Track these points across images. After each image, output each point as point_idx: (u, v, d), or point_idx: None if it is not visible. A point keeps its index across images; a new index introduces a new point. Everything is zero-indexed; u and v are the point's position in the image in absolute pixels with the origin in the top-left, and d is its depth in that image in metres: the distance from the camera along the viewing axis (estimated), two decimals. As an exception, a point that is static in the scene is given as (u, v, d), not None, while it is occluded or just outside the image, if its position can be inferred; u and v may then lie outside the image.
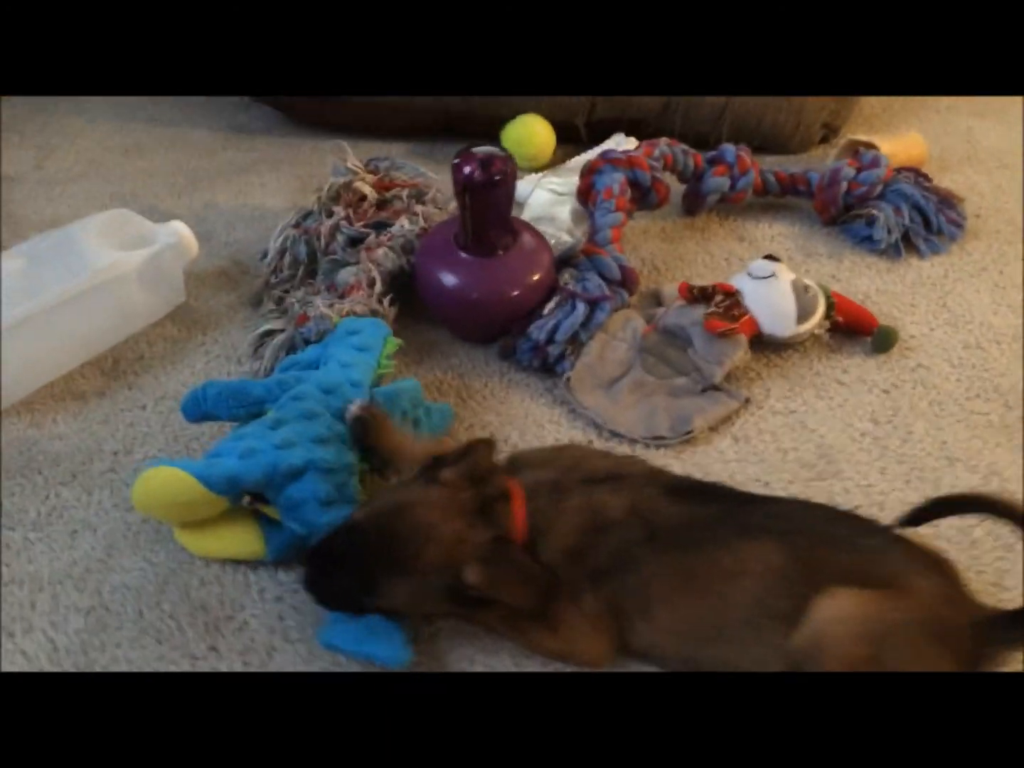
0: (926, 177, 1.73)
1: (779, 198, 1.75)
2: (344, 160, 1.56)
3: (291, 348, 1.30)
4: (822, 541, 0.95)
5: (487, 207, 1.30)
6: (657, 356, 1.37)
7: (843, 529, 0.98)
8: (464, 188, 1.29)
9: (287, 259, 1.45)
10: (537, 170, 1.82)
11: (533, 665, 0.99)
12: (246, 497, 1.05)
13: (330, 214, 1.47)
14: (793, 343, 1.42)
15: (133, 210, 1.42)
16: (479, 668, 0.99)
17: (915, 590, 0.91)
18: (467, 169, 1.28)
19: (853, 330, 1.45)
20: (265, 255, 1.49)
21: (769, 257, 1.43)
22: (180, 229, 1.41)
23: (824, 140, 1.96)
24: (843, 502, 1.19)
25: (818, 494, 1.20)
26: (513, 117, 1.84)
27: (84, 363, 1.35)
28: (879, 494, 1.21)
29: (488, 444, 1.06)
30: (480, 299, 1.36)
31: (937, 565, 0.96)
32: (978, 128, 2.04)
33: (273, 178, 1.80)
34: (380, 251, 1.40)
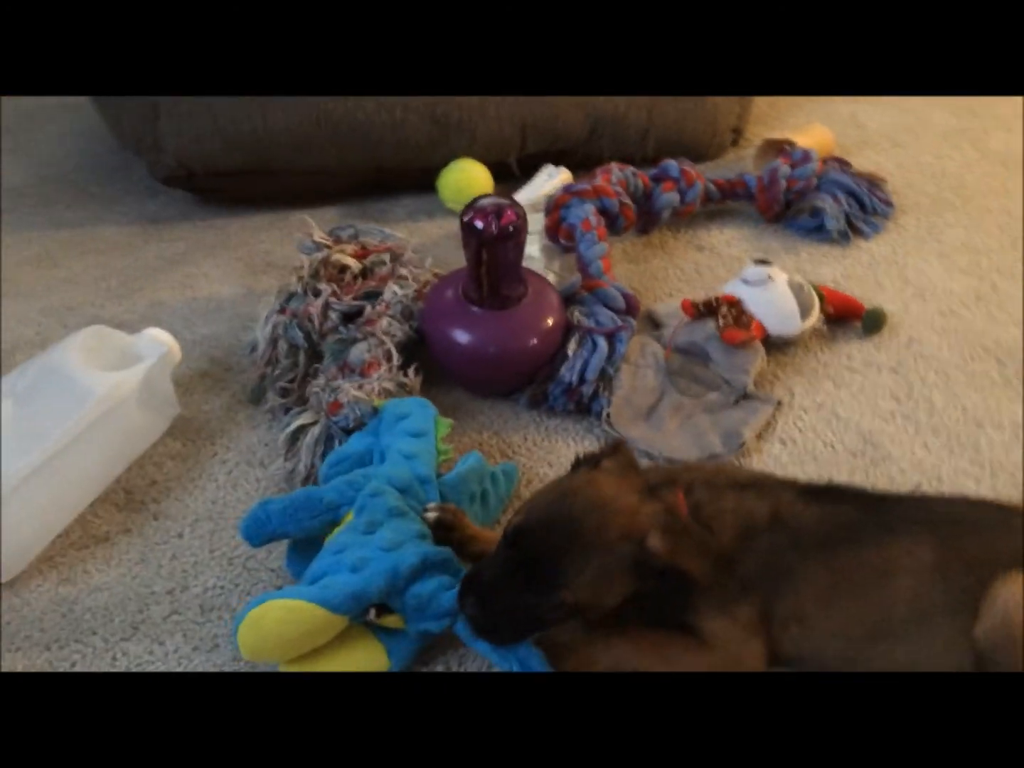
0: (848, 164, 1.83)
1: (720, 205, 1.81)
2: (310, 234, 1.48)
3: (328, 440, 1.22)
4: (969, 529, 0.97)
5: (502, 260, 1.27)
6: (685, 376, 1.38)
7: (984, 514, 1.01)
8: (480, 243, 1.25)
9: (281, 347, 1.36)
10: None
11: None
12: (371, 611, 0.97)
13: (316, 292, 1.39)
14: (796, 341, 1.46)
15: (72, 323, 1.29)
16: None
17: None
18: (480, 224, 1.25)
19: (843, 318, 1.51)
20: (253, 347, 1.40)
21: (760, 261, 1.47)
22: (161, 336, 1.30)
23: (734, 143, 2.04)
24: (903, 481, 1.24)
25: (878, 479, 1.24)
26: (444, 164, 1.81)
27: (93, 502, 1.21)
28: (931, 467, 1.27)
29: (624, 443, 1.04)
30: (501, 353, 1.33)
31: None
32: (861, 112, 2.18)
33: (212, 265, 1.69)
34: (383, 321, 1.35)
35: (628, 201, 1.61)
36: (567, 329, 1.37)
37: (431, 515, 1.07)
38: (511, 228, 1.25)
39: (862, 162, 1.95)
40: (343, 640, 0.98)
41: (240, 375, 1.43)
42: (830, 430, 1.33)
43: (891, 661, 0.97)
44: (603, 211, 1.58)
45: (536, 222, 1.56)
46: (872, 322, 1.50)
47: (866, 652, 0.97)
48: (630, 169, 1.68)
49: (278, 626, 0.91)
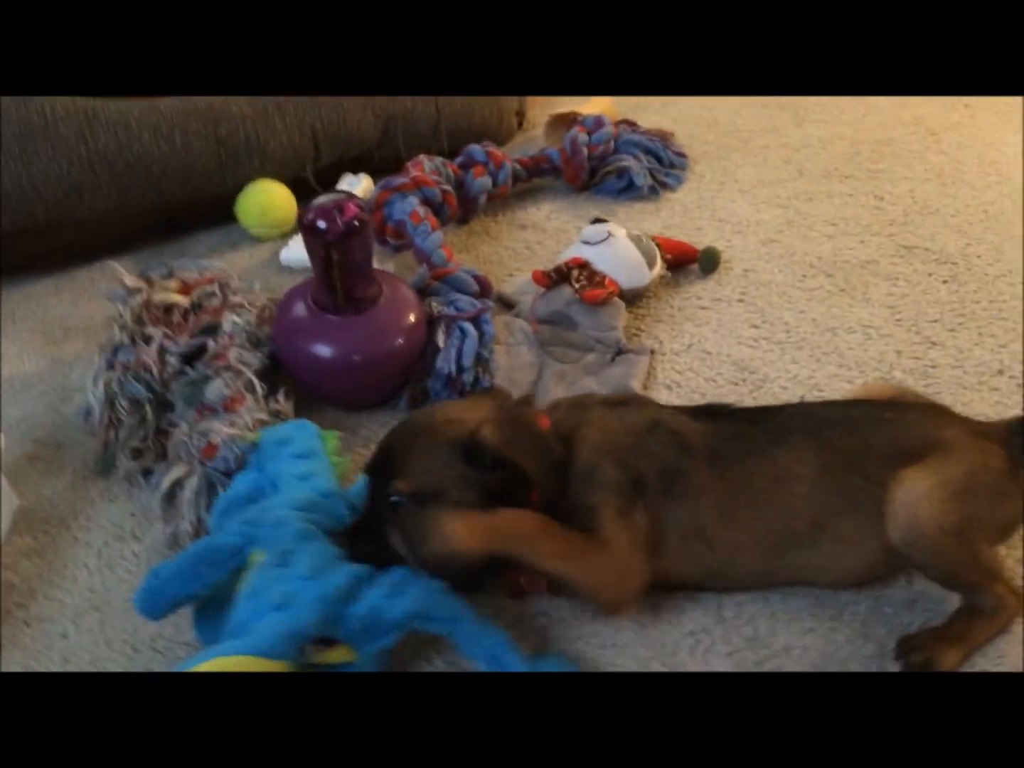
0: (636, 124, 1.89)
1: (527, 184, 1.80)
2: (121, 281, 1.33)
3: (209, 488, 1.09)
4: (847, 429, 0.99)
5: (353, 258, 1.20)
6: (557, 344, 1.36)
7: (857, 412, 1.02)
8: (327, 244, 1.17)
9: (120, 406, 1.21)
10: (286, 235, 1.70)
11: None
12: (308, 648, 0.87)
13: (146, 339, 1.25)
14: (646, 292, 1.48)
15: None
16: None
17: (954, 440, 0.97)
18: (323, 223, 1.16)
19: (680, 263, 1.54)
20: (88, 413, 1.23)
21: (597, 220, 1.47)
22: (-20, 423, 1.12)
23: (519, 126, 2.05)
24: (788, 398, 1.28)
25: (765, 401, 1.27)
26: (238, 190, 1.69)
27: (-57, 623, 1.02)
28: (807, 379, 1.31)
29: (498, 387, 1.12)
30: (369, 359, 1.25)
31: (945, 411, 1.06)
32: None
33: (4, 343, 1.48)
34: (232, 353, 1.23)
35: (449, 188, 1.56)
36: (429, 322, 1.31)
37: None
38: (356, 222, 1.18)
39: (643, 122, 2.01)
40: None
41: (76, 449, 1.25)
42: (706, 366, 1.35)
43: (803, 569, 0.99)
44: (426, 202, 1.53)
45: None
46: (708, 261, 1.54)
47: (776, 564, 0.99)
48: (439, 159, 1.64)
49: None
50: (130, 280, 1.33)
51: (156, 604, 0.93)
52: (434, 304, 1.33)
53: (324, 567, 0.92)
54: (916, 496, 0.92)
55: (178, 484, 1.10)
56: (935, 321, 1.40)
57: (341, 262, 1.18)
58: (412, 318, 1.27)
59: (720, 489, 0.97)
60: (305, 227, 1.17)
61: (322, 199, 1.19)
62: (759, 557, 0.99)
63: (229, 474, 1.10)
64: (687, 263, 1.55)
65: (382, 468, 0.97)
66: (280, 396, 1.20)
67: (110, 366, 1.24)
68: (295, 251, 1.61)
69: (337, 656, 0.90)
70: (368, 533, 0.96)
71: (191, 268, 1.41)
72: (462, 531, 0.92)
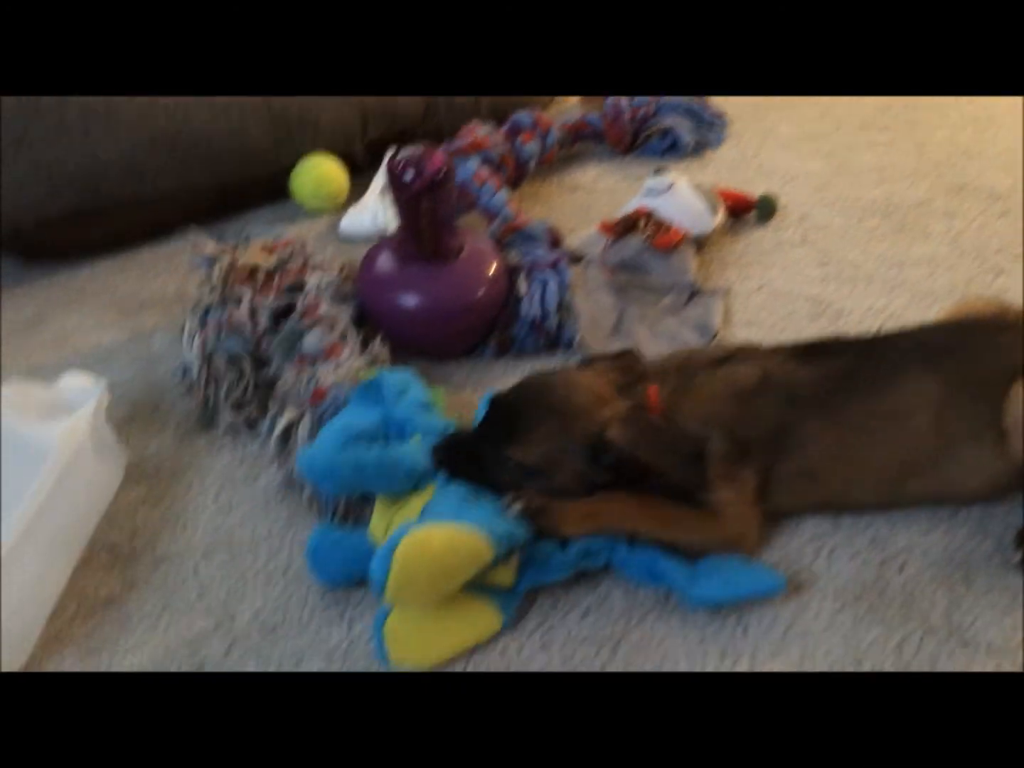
0: (673, 88, 1.92)
1: (570, 150, 1.83)
2: (203, 248, 1.35)
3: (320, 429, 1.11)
4: (969, 357, 0.99)
5: (440, 208, 1.22)
6: (634, 289, 1.38)
7: (966, 337, 1.02)
8: (415, 195, 1.19)
9: (218, 363, 1.23)
10: (340, 209, 1.72)
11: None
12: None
13: (236, 299, 1.27)
14: (709, 239, 1.51)
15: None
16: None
17: None
18: (412, 174, 1.18)
19: (738, 211, 1.57)
20: (185, 371, 1.25)
21: (659, 170, 1.50)
22: (85, 380, 1.14)
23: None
24: (868, 327, 1.30)
25: (843, 332, 1.30)
26: (291, 167, 1.72)
27: (75, 571, 1.03)
28: (882, 310, 1.35)
29: (638, 353, 1.08)
30: (456, 307, 1.27)
31: None
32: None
33: (80, 318, 1.50)
34: (322, 307, 1.25)
35: (506, 152, 1.59)
36: (509, 272, 1.33)
37: (516, 506, 0.93)
38: (443, 172, 1.20)
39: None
40: (454, 604, 0.89)
41: (173, 408, 1.27)
42: (780, 304, 1.38)
43: (921, 496, 1.01)
44: (486, 163, 1.55)
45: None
46: (766, 208, 1.57)
47: (892, 495, 1.01)
48: (487, 127, 1.66)
49: (443, 552, 0.83)
50: (212, 247, 1.35)
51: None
52: (512, 255, 1.35)
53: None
54: None
55: (291, 427, 1.11)
56: (998, 252, 1.44)
57: (428, 211, 1.20)
58: (494, 268, 1.30)
59: (833, 433, 0.98)
60: (394, 179, 1.19)
61: (407, 152, 1.21)
62: (874, 490, 1.01)
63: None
64: (744, 212, 1.58)
65: (506, 419, 0.97)
66: (376, 344, 1.21)
67: (203, 326, 1.25)
68: (354, 221, 1.64)
69: (501, 576, 0.92)
70: (467, 455, 0.98)
71: (265, 234, 1.42)
72: (570, 520, 0.94)
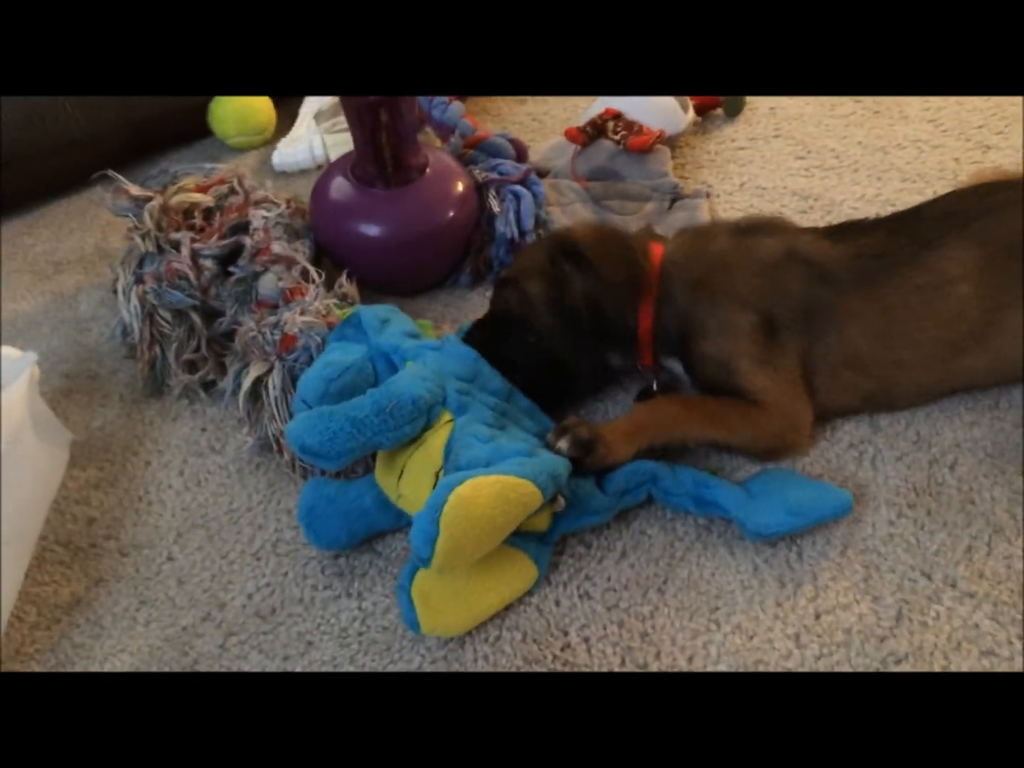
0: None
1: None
2: (125, 192, 1.18)
3: (295, 383, 0.98)
4: (1000, 219, 0.90)
5: (403, 120, 1.08)
6: (613, 198, 1.27)
7: (1001, 199, 0.93)
8: (374, 107, 1.05)
9: (161, 318, 1.08)
10: (268, 142, 1.56)
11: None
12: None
13: (174, 245, 1.12)
14: (679, 139, 1.40)
15: None
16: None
17: None
18: (366, 81, 1.04)
19: (706, 107, 1.47)
20: (125, 333, 1.10)
21: (622, 69, 1.38)
22: (13, 351, 0.98)
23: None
24: (864, 215, 1.21)
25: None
26: (209, 99, 1.54)
27: (30, 573, 0.90)
28: (874, 196, 1.26)
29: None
30: (424, 232, 1.14)
31: None
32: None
33: (-13, 288, 1.32)
34: (275, 246, 1.10)
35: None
36: (477, 189, 1.20)
37: (563, 444, 0.84)
38: (401, 79, 1.06)
39: None
40: (488, 557, 0.78)
41: (114, 376, 1.12)
42: (767, 201, 1.28)
43: (971, 373, 0.93)
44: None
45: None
46: (733, 103, 1.47)
47: (942, 374, 0.93)
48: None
49: (493, 508, 0.71)
50: (136, 189, 1.19)
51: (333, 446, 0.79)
52: (477, 172, 1.22)
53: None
54: None
55: (259, 383, 0.98)
56: (981, 127, 1.36)
57: (390, 125, 1.06)
58: (462, 186, 1.17)
59: (873, 313, 0.89)
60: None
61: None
62: (923, 372, 0.92)
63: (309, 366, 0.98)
64: (710, 108, 1.47)
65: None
66: (343, 280, 1.08)
67: (139, 280, 1.10)
68: (287, 155, 1.48)
69: (538, 522, 0.82)
70: (489, 332, 0.97)
71: (193, 172, 1.26)
72: (618, 443, 0.85)
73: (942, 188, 1.24)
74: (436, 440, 0.81)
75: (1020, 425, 0.92)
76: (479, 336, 0.97)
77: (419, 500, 0.77)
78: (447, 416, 0.83)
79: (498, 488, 0.70)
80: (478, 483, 0.70)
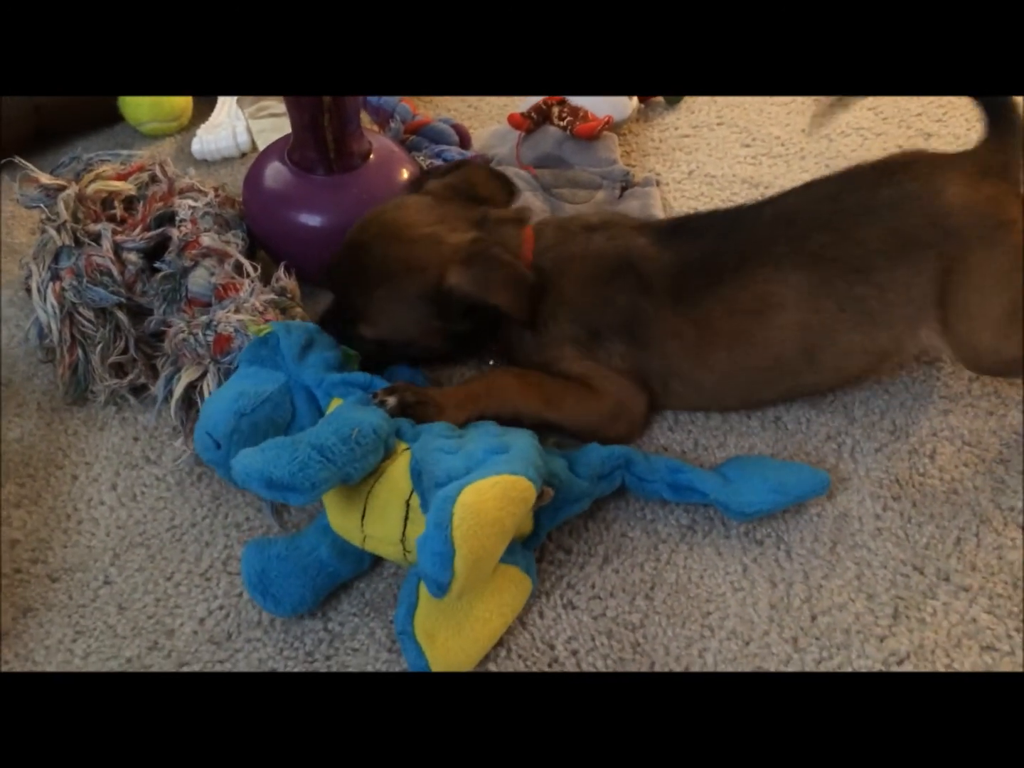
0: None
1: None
2: (35, 180, 1.08)
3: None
4: (841, 233, 0.83)
5: (346, 104, 1.01)
6: (563, 186, 1.22)
7: (850, 202, 0.85)
8: (314, 85, 0.97)
9: (82, 317, 0.99)
10: (184, 129, 1.47)
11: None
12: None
13: (94, 237, 1.02)
14: (625, 125, 1.36)
15: None
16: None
17: (961, 214, 0.81)
18: (307, 59, 0.96)
19: (645, 97, 1.43)
20: (42, 336, 1.00)
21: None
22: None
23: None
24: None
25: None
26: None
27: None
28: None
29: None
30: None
31: (940, 161, 0.87)
32: None
33: None
34: (204, 238, 1.02)
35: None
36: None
37: (391, 400, 0.81)
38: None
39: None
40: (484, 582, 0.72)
41: (31, 381, 1.02)
42: (717, 189, 1.26)
43: (800, 390, 0.91)
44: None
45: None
46: (674, 91, 1.43)
47: (769, 394, 0.91)
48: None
49: (499, 507, 0.65)
50: (46, 178, 1.08)
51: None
52: (421, 158, 1.16)
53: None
54: (977, 330, 0.82)
55: (193, 389, 0.90)
56: (919, 115, 1.37)
57: (333, 107, 0.99)
58: (407, 173, 1.10)
59: (688, 331, 0.86)
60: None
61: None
62: (748, 393, 0.90)
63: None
64: (650, 96, 1.44)
65: (345, 293, 0.92)
66: (281, 274, 1.00)
67: (56, 276, 1.00)
68: (208, 142, 1.39)
69: (524, 525, 0.77)
70: (336, 325, 0.91)
71: (109, 159, 1.17)
72: (449, 407, 0.83)
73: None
74: (397, 469, 0.74)
75: (995, 411, 0.91)
76: (332, 323, 0.92)
77: (390, 536, 0.72)
78: (403, 445, 0.77)
79: (500, 488, 0.65)
80: (479, 487, 0.64)
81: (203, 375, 0.91)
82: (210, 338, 0.91)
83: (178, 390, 0.90)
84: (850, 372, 0.89)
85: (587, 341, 0.87)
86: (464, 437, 0.76)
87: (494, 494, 0.64)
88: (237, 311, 0.93)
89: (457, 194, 0.94)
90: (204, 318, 0.93)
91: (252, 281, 0.98)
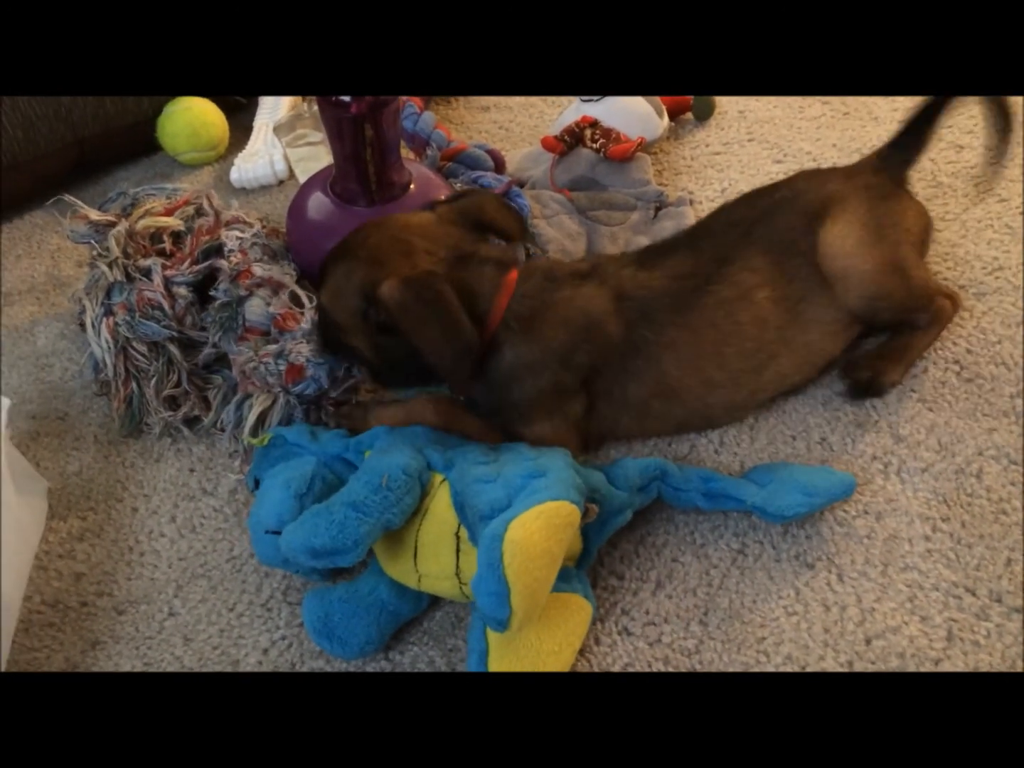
0: None
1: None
2: (84, 217, 1.11)
3: (290, 417, 0.93)
4: (771, 220, 0.96)
5: (387, 134, 1.03)
6: (598, 208, 1.23)
7: (765, 202, 0.99)
8: (357, 120, 1.00)
9: (135, 351, 1.01)
10: (222, 157, 1.49)
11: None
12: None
13: (145, 272, 1.05)
14: (657, 144, 1.37)
15: None
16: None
17: (840, 190, 0.98)
18: (349, 97, 0.99)
19: (676, 112, 1.44)
20: (96, 369, 1.03)
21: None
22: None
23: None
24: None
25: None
26: (158, 112, 1.46)
27: (17, 640, 0.82)
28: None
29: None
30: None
31: (819, 171, 1.07)
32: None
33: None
34: (257, 268, 1.04)
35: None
36: (459, 204, 1.15)
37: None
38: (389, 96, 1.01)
39: None
40: (549, 613, 0.74)
41: (86, 415, 1.05)
42: (750, 207, 1.26)
43: (780, 380, 0.95)
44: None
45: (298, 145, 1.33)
46: (703, 107, 1.45)
47: (754, 386, 0.94)
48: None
49: (545, 538, 0.67)
50: (96, 214, 1.11)
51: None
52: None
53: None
54: (846, 251, 0.93)
55: (261, 418, 0.92)
56: (950, 127, 1.37)
57: (375, 140, 1.01)
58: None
59: (685, 338, 0.91)
60: (326, 102, 0.99)
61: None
62: (736, 388, 0.93)
63: (319, 400, 0.93)
64: (680, 113, 1.45)
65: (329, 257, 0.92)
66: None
67: (109, 311, 1.03)
68: (246, 171, 1.41)
69: (573, 546, 0.80)
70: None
71: (155, 193, 1.19)
72: (382, 417, 0.91)
73: (923, 188, 1.24)
74: (439, 503, 0.76)
75: (1039, 426, 0.92)
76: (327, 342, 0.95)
77: (444, 571, 0.74)
78: (439, 477, 0.78)
79: (544, 519, 0.67)
80: (523, 521, 0.66)
81: (274, 403, 0.93)
82: (282, 367, 0.93)
83: (251, 417, 0.93)
84: (816, 350, 0.96)
85: (564, 388, 0.89)
86: (499, 461, 0.78)
87: (539, 525, 0.66)
88: (307, 341, 0.95)
89: (464, 219, 0.93)
90: (274, 347, 0.95)
91: (311, 311, 1.00)
